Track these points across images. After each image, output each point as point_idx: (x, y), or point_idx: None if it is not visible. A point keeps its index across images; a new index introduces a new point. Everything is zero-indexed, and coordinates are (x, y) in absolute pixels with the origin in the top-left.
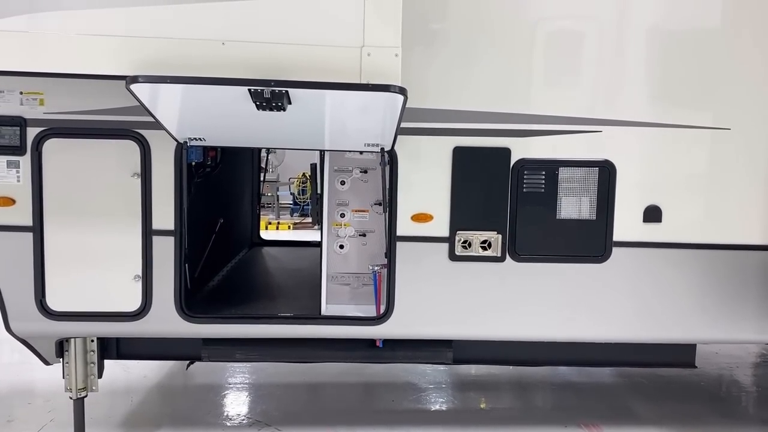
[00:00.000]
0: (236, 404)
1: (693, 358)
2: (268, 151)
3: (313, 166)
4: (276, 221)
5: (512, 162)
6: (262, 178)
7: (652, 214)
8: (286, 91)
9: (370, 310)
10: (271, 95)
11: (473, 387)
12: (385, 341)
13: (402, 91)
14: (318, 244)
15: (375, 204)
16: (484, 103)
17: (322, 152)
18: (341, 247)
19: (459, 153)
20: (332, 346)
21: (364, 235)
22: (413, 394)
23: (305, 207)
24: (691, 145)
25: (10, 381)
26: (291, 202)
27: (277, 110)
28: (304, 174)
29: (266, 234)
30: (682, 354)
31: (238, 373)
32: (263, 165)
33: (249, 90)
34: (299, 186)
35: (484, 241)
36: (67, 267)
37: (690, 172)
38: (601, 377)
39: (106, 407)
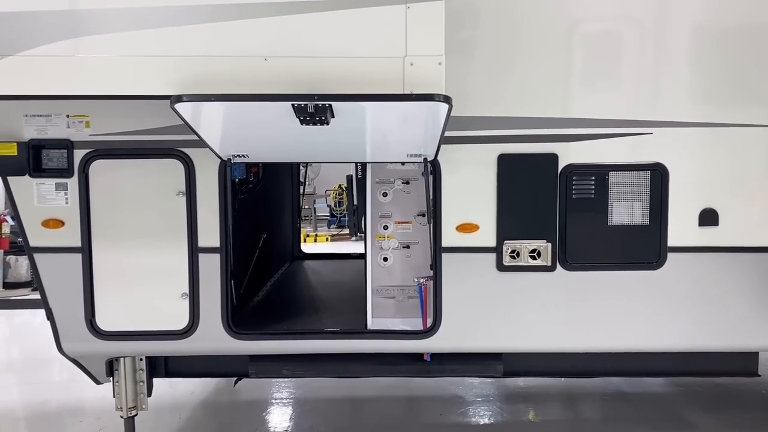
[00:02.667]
0: (283, 420)
1: (755, 366)
2: (306, 164)
3: (349, 178)
4: (314, 233)
5: (560, 168)
6: (301, 192)
7: (708, 218)
8: (330, 105)
9: (416, 324)
10: (314, 109)
11: (522, 399)
12: (433, 355)
13: (446, 99)
14: (358, 257)
15: (418, 215)
16: (529, 108)
17: (357, 164)
18: (385, 259)
19: (504, 160)
20: (379, 360)
21: (408, 247)
22: (461, 407)
23: (342, 219)
24: (746, 145)
25: (60, 399)
26: (328, 214)
27: (321, 124)
28: (340, 186)
29: (306, 247)
30: (743, 362)
31: (283, 388)
32: (302, 179)
33: (292, 105)
34: (336, 198)
35: (533, 251)
36: (115, 287)
37: (746, 173)
38: (653, 386)
39: (154, 425)
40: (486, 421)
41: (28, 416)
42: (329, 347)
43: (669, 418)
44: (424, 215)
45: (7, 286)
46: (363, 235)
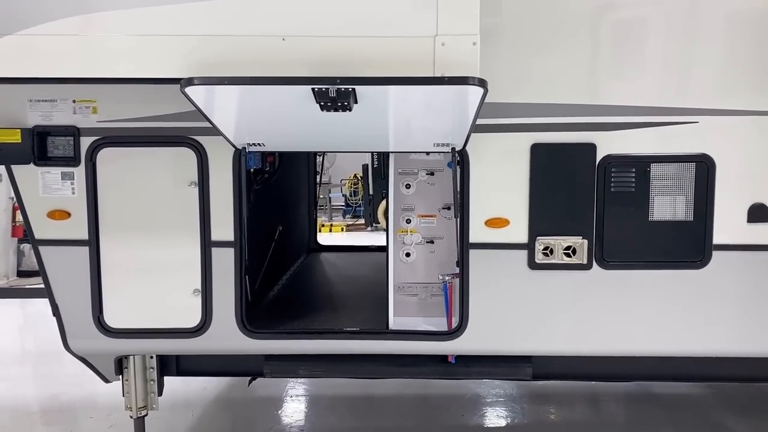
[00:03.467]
0: (298, 418)
1: None
2: (323, 154)
3: (365, 167)
4: (329, 223)
5: (598, 159)
6: (318, 182)
7: (758, 214)
8: (353, 89)
9: (440, 323)
10: (336, 94)
11: (546, 400)
12: (458, 356)
13: (482, 83)
14: (376, 249)
15: (443, 208)
16: (566, 94)
17: (374, 153)
18: (408, 255)
19: (538, 150)
20: (400, 361)
21: (432, 242)
22: (482, 407)
23: (357, 209)
24: None
25: (72, 393)
26: (343, 204)
27: (343, 111)
28: (355, 175)
29: (321, 237)
30: None
31: (298, 383)
32: (318, 168)
33: (312, 89)
34: (351, 188)
35: (568, 247)
36: (124, 282)
37: None
38: (685, 388)
39: (167, 422)
40: (509, 422)
41: (37, 410)
42: (349, 348)
43: (703, 423)
44: (449, 208)
45: (21, 274)
46: (377, 225)
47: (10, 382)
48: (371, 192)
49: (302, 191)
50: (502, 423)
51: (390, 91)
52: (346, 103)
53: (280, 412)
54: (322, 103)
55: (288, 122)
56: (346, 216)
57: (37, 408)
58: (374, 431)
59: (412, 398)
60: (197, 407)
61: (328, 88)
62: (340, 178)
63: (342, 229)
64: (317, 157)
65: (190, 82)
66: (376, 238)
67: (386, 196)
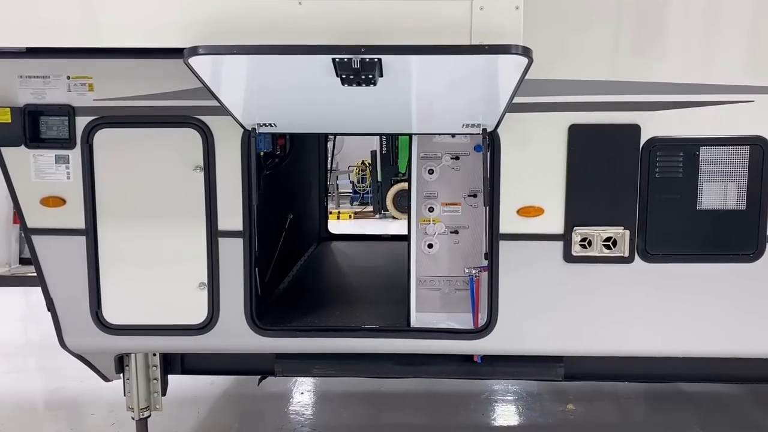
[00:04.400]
0: (309, 415)
1: None
2: (333, 137)
3: (373, 154)
4: (336, 210)
5: (642, 141)
6: (329, 168)
7: None
8: (380, 60)
9: (465, 320)
10: (360, 65)
11: (570, 396)
12: (484, 355)
13: (526, 52)
14: (389, 238)
15: (468, 195)
16: (607, 69)
17: (382, 138)
18: (430, 246)
19: (576, 132)
20: (422, 360)
21: (457, 232)
22: (503, 405)
23: (365, 195)
24: None
25: (73, 387)
26: (351, 191)
27: (367, 85)
28: (363, 162)
29: (332, 224)
30: None
31: (308, 379)
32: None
33: (333, 60)
34: (359, 174)
35: (608, 239)
36: (124, 275)
37: None
38: (717, 386)
39: (173, 420)
40: (532, 421)
41: (37, 405)
42: (367, 346)
43: (741, 424)
44: (475, 195)
45: (24, 261)
46: (385, 212)
47: (10, 375)
48: (380, 179)
49: (313, 177)
50: (522, 421)
51: (421, 62)
52: (370, 76)
53: (290, 408)
54: (343, 76)
55: (303, 100)
56: (354, 203)
57: (37, 403)
58: (389, 429)
59: (427, 394)
60: (204, 404)
61: (351, 59)
62: (347, 164)
63: (350, 217)
64: (328, 140)
65: (194, 51)
66: (384, 226)
67: (395, 183)
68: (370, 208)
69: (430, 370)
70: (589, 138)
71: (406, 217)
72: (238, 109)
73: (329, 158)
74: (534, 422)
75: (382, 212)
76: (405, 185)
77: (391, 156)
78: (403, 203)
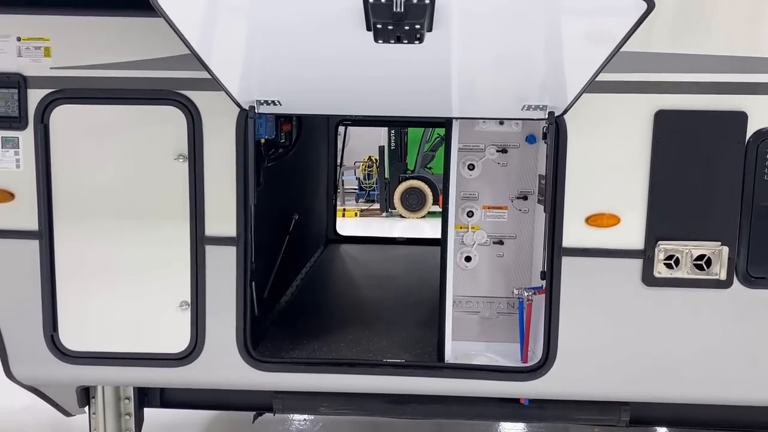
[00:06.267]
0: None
1: None
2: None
3: (381, 149)
4: (341, 208)
5: (749, 134)
6: (339, 162)
7: None
8: (432, 2)
9: (508, 351)
10: (404, 9)
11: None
12: None
13: None
14: (404, 242)
15: (517, 198)
16: (705, 42)
17: (391, 132)
18: (468, 259)
19: (664, 120)
20: (455, 398)
21: (501, 243)
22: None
23: (372, 192)
24: None
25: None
26: (356, 188)
27: (410, 41)
28: (370, 158)
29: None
30: None
31: None
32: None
33: (365, 2)
34: (365, 170)
35: (700, 257)
36: (86, 289)
37: None
38: None
39: None
40: None
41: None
42: (390, 387)
43: None
44: (525, 198)
45: None
46: (393, 211)
47: None
48: (387, 175)
49: (321, 171)
50: None
51: (489, 8)
52: (417, 26)
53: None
54: (379, 26)
55: (317, 68)
56: (359, 200)
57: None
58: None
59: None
60: (192, 428)
61: (392, 0)
62: (353, 160)
63: (355, 214)
64: (339, 129)
65: None
66: (391, 225)
67: (403, 181)
68: (376, 206)
69: (466, 412)
70: (681, 128)
71: (414, 216)
72: (231, 81)
73: (343, 147)
74: None
75: (389, 210)
76: (414, 183)
77: (400, 152)
78: (411, 202)
